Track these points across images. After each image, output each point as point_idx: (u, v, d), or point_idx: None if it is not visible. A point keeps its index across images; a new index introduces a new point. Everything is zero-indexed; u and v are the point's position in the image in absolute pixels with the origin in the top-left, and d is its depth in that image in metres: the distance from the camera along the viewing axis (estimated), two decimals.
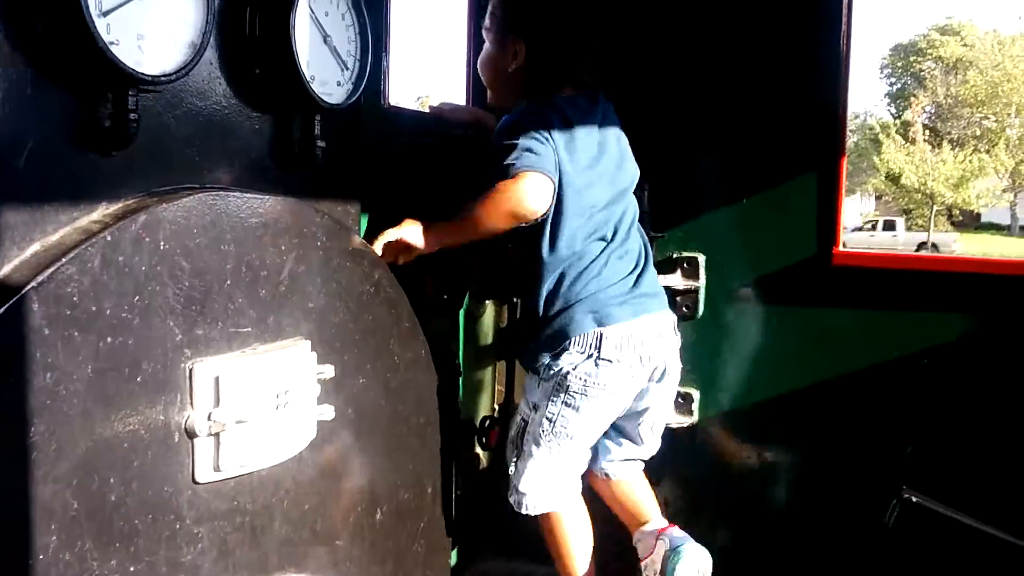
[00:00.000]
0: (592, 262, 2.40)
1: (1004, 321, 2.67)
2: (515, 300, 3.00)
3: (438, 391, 2.35)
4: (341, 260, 1.99)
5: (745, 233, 2.93)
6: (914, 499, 2.63)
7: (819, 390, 2.87)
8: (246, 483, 1.74)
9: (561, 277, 2.39)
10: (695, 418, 3.00)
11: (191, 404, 1.61)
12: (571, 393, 2.37)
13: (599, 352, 2.35)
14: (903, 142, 38.92)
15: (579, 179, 2.35)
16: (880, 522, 2.70)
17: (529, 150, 2.28)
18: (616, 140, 2.52)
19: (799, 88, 2.84)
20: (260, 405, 1.71)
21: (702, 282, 2.97)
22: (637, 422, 2.55)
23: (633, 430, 2.57)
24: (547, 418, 2.40)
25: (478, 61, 2.56)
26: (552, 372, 2.39)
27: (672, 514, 2.97)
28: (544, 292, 2.40)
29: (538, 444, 2.43)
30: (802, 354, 2.89)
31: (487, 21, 2.50)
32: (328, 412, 1.90)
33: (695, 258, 2.97)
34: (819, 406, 2.86)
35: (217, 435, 1.64)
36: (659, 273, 2.93)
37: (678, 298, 2.98)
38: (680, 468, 3.02)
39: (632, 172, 2.55)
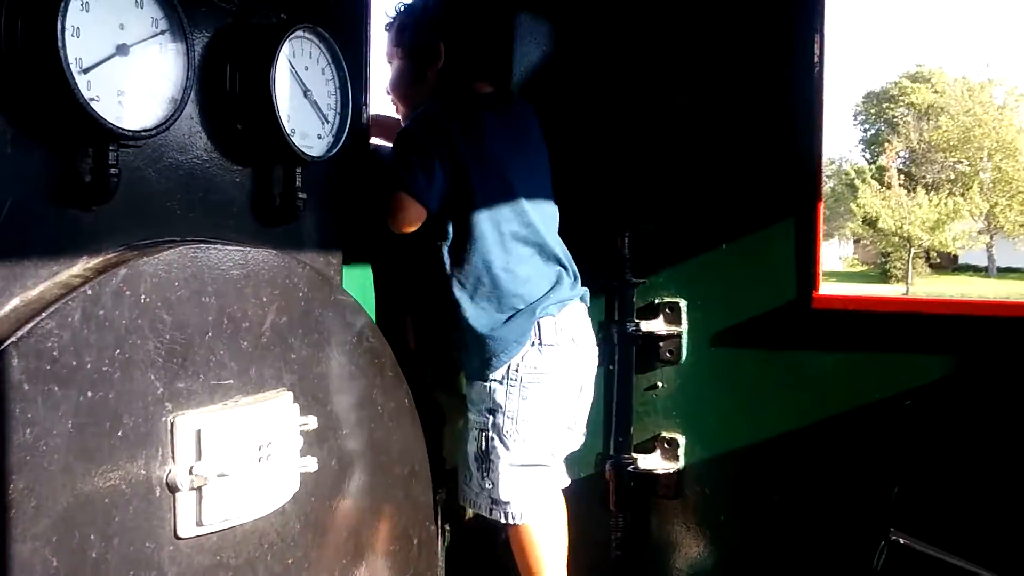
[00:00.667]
0: (519, 264, 2.49)
1: (985, 362, 2.69)
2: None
3: (422, 440, 2.34)
4: (323, 310, 1.99)
5: (726, 278, 2.95)
6: (902, 541, 2.62)
7: (804, 433, 2.86)
8: (229, 537, 1.72)
9: (490, 282, 2.47)
10: (680, 463, 2.99)
11: (172, 458, 1.59)
12: (524, 384, 2.45)
13: (540, 340, 2.46)
14: (879, 187, 39.46)
15: (490, 179, 2.45)
16: (868, 565, 2.69)
17: (409, 168, 2.37)
18: (536, 139, 2.67)
19: (775, 135, 2.88)
20: (242, 458, 1.70)
21: (684, 327, 2.98)
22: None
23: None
24: (509, 417, 2.45)
25: (389, 84, 2.65)
26: (504, 371, 2.46)
27: (660, 559, 2.96)
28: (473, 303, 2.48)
29: (507, 446, 2.46)
30: (786, 397, 2.89)
31: (393, 39, 2.61)
32: (311, 464, 1.89)
33: (677, 303, 2.98)
34: (804, 449, 2.86)
35: (199, 489, 1.62)
36: (640, 319, 2.96)
37: (661, 343, 2.98)
38: (665, 514, 3.00)
39: (547, 171, 2.68)
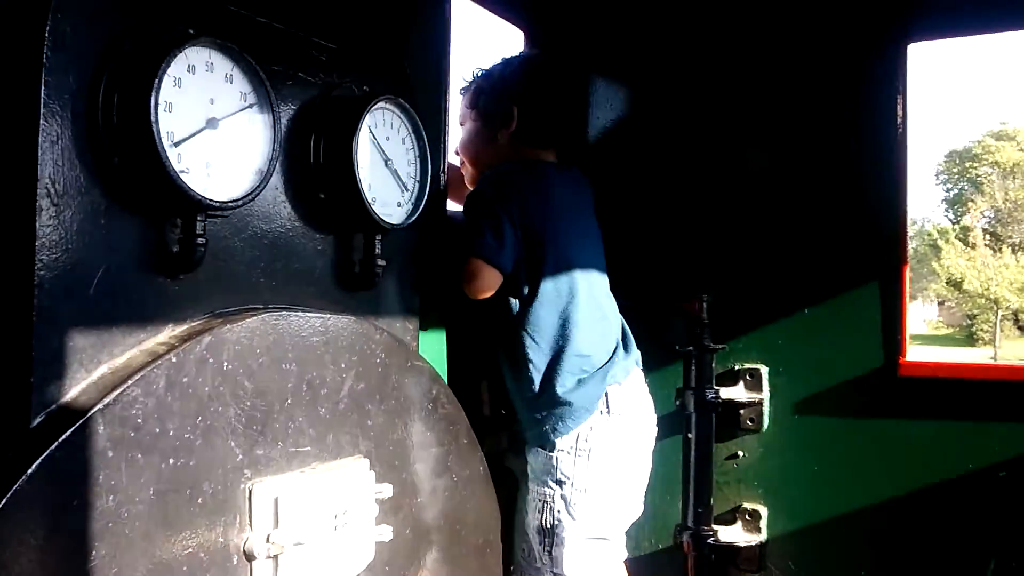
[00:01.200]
0: (589, 326, 2.46)
1: None
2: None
3: (497, 510, 2.30)
4: (400, 377, 1.99)
5: (808, 344, 2.88)
6: None
7: (892, 505, 2.76)
8: None
9: (564, 341, 2.43)
10: (763, 536, 2.90)
11: (250, 525, 1.59)
12: (593, 453, 2.40)
13: (608, 408, 2.41)
14: (963, 247, 38.42)
15: (559, 242, 2.45)
16: None
17: (481, 233, 2.36)
18: (591, 210, 2.65)
19: (858, 196, 2.83)
20: (318, 526, 1.69)
21: (766, 394, 2.92)
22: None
23: None
24: (577, 488, 2.39)
25: (460, 145, 2.66)
26: (573, 439, 2.41)
27: None
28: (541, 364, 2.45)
29: (574, 518, 2.38)
30: (873, 468, 2.79)
31: (468, 102, 2.63)
32: (386, 533, 1.87)
33: (758, 370, 2.92)
34: (893, 522, 2.75)
35: (276, 557, 1.62)
36: (720, 385, 2.90)
37: (741, 411, 2.92)
38: None
39: (600, 241, 2.66)
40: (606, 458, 2.41)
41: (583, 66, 2.97)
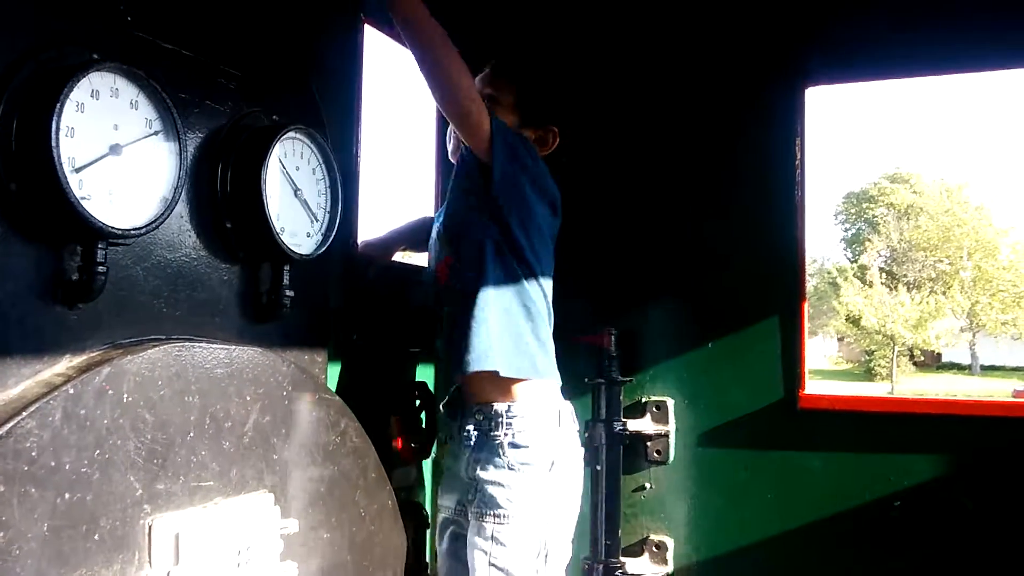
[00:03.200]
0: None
1: (974, 461, 2.67)
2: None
3: (404, 545, 2.28)
4: (307, 410, 1.97)
5: (713, 377, 2.95)
6: None
7: (794, 536, 2.83)
8: None
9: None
10: (670, 567, 2.93)
11: (149, 562, 1.55)
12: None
13: (560, 422, 2.32)
14: (861, 285, 39.87)
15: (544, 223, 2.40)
16: None
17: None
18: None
19: (758, 235, 2.92)
20: (221, 562, 1.65)
21: (672, 426, 2.97)
22: None
23: None
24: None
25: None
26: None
27: None
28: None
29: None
30: (775, 499, 2.86)
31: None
32: (291, 570, 1.83)
33: (664, 402, 2.97)
34: (794, 552, 2.81)
35: None
36: (627, 418, 2.93)
37: (648, 443, 2.96)
38: None
39: None
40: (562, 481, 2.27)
41: None
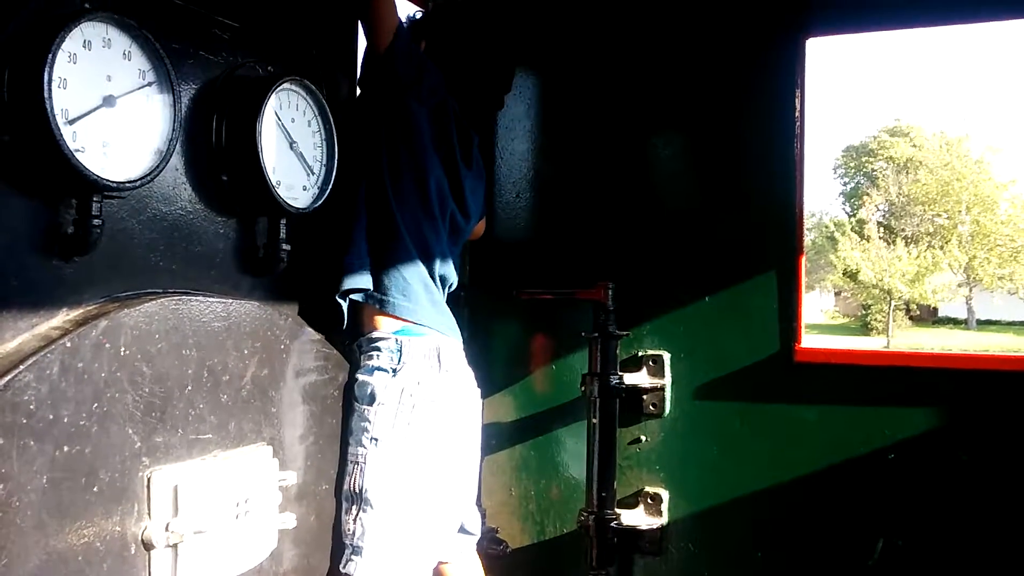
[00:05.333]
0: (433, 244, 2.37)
1: (967, 415, 2.69)
2: None
3: None
4: (304, 363, 1.97)
5: (709, 331, 2.95)
6: None
7: (787, 488, 2.85)
8: None
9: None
10: (664, 519, 2.96)
11: (148, 514, 1.56)
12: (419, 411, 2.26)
13: (440, 363, 2.28)
14: (859, 239, 39.83)
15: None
16: None
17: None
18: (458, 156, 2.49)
19: (757, 188, 2.90)
20: (220, 514, 1.67)
21: (668, 380, 2.97)
22: None
23: None
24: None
25: None
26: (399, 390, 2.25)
27: None
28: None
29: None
30: (769, 451, 2.87)
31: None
32: (290, 520, 1.86)
33: (660, 356, 2.98)
34: (788, 503, 2.84)
35: (175, 546, 1.59)
36: (624, 371, 2.95)
37: (644, 396, 2.97)
38: (648, 571, 2.96)
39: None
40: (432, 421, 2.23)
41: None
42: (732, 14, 2.91)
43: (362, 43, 2.41)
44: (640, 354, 3.00)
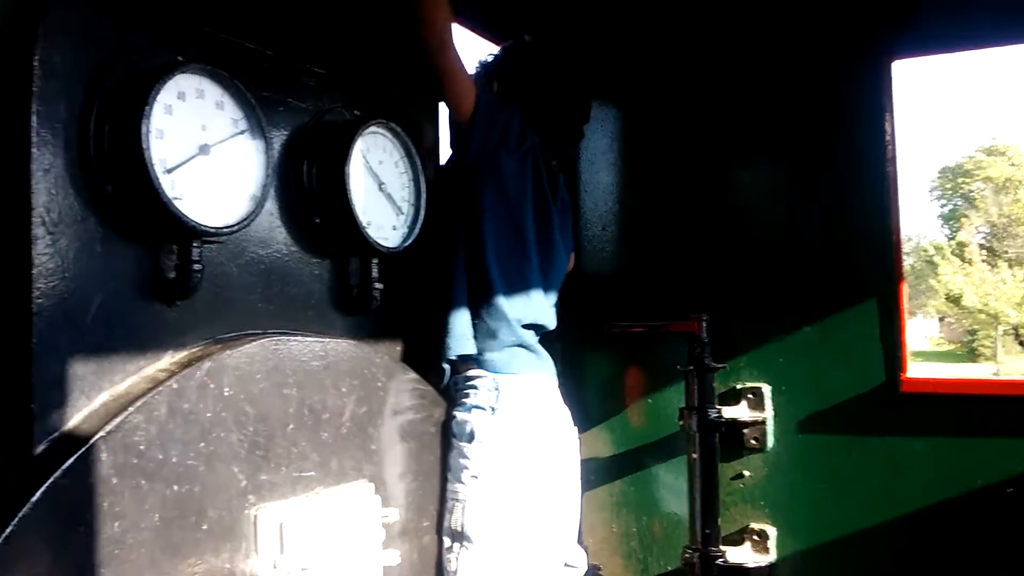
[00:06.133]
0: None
1: None
2: None
3: None
4: (401, 401, 1.98)
5: (809, 362, 2.86)
6: None
7: (900, 523, 2.72)
8: None
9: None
10: (773, 556, 2.86)
11: (256, 551, 1.58)
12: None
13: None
14: (960, 263, 38.44)
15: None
16: None
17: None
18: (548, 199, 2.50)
19: (851, 214, 2.83)
20: (325, 551, 1.67)
21: (769, 413, 2.89)
22: None
23: None
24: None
25: None
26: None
27: None
28: None
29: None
30: (878, 485, 2.75)
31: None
32: (393, 557, 1.85)
33: (759, 388, 2.90)
34: (901, 539, 2.71)
35: None
36: (722, 404, 2.88)
37: (745, 430, 2.89)
38: None
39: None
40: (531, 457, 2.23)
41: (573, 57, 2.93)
42: (817, 38, 2.86)
43: None
44: (738, 387, 2.93)
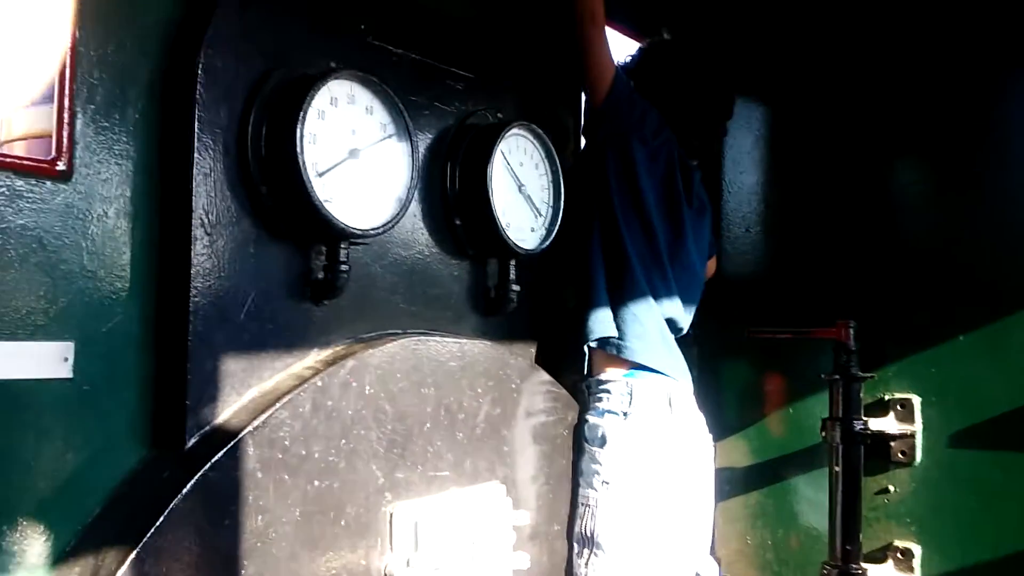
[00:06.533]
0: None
1: None
2: None
3: None
4: (535, 403, 1.98)
5: (964, 372, 2.71)
6: None
7: None
8: None
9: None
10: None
11: (391, 548, 1.61)
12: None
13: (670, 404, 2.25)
14: None
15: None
16: None
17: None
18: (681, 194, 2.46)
19: (1009, 217, 2.66)
20: (457, 551, 1.70)
21: (918, 426, 2.75)
22: None
23: None
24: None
25: None
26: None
27: None
28: None
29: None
30: None
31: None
32: (524, 560, 1.86)
33: (909, 400, 2.76)
34: None
35: None
36: (869, 415, 2.76)
37: (892, 443, 2.76)
38: None
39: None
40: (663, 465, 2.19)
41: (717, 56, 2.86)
42: (971, 36, 2.70)
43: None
44: (886, 398, 2.80)
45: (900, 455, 2.76)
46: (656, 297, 2.29)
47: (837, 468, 2.73)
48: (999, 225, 2.68)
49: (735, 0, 3.01)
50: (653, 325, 2.26)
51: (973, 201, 2.73)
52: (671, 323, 2.36)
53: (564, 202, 2.10)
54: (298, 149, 1.49)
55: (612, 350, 2.22)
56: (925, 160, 2.82)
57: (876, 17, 2.84)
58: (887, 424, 2.76)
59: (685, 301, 2.44)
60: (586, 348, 2.23)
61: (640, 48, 2.61)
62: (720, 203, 3.04)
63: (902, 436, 2.75)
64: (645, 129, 2.31)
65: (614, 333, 2.21)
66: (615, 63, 2.29)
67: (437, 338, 1.78)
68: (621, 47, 2.71)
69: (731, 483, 2.96)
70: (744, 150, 3.06)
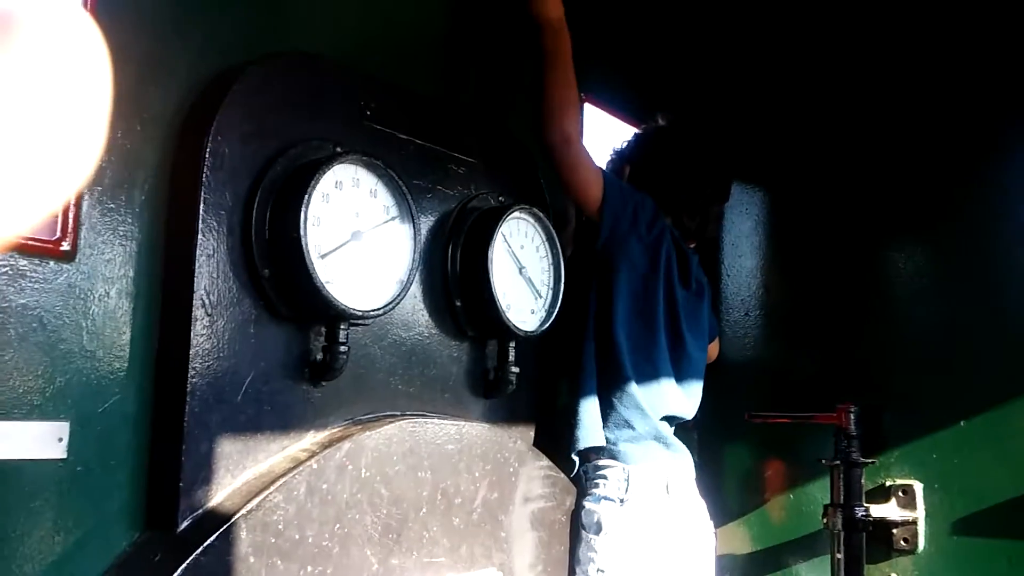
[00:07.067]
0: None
1: None
2: None
3: None
4: (533, 488, 1.96)
5: (967, 459, 2.68)
6: None
7: None
8: None
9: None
10: None
11: None
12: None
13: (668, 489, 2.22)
14: None
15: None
16: None
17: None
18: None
19: (1011, 300, 2.67)
20: None
21: (921, 512, 2.72)
22: None
23: None
24: None
25: None
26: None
27: None
28: None
29: None
30: None
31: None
32: None
33: (911, 486, 2.73)
34: None
35: None
36: (870, 502, 2.73)
37: (895, 530, 2.73)
38: None
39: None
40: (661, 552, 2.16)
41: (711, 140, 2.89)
42: (969, 123, 2.74)
43: None
44: (888, 484, 2.77)
45: (903, 542, 2.72)
46: (652, 398, 2.27)
47: (839, 555, 2.69)
48: (1000, 311, 2.69)
49: (732, 86, 3.07)
50: (647, 429, 2.23)
51: (974, 286, 2.74)
52: (672, 419, 2.35)
53: (564, 284, 2.11)
54: (302, 232, 1.51)
55: (604, 455, 2.21)
56: (925, 245, 2.84)
57: (874, 103, 2.89)
58: (889, 511, 2.72)
59: (686, 389, 2.42)
60: (575, 456, 2.20)
61: (636, 133, 2.64)
62: (719, 287, 3.05)
63: (904, 523, 2.71)
64: (640, 225, 2.30)
65: (603, 443, 2.19)
66: (599, 168, 2.26)
67: (435, 420, 1.77)
68: (617, 132, 2.77)
69: (732, 570, 2.91)
70: (743, 234, 3.08)
